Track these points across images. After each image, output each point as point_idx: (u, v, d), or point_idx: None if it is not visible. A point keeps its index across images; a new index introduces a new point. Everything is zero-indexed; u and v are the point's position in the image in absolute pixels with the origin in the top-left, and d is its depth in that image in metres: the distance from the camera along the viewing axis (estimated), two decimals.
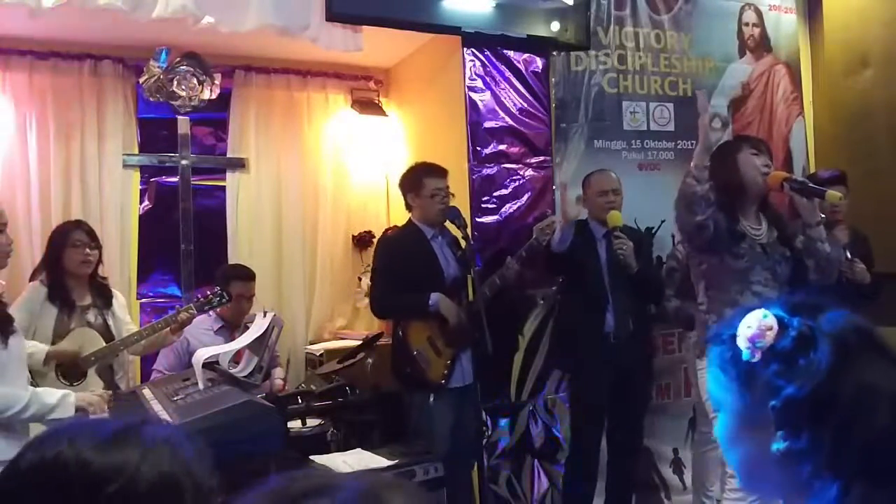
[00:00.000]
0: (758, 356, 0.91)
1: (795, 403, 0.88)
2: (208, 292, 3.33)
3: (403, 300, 3.25)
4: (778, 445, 0.90)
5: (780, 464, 0.90)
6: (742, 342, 0.92)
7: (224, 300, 3.32)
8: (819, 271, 2.72)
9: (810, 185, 2.69)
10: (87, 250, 3.09)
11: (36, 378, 2.71)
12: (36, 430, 2.31)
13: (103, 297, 3.18)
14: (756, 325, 0.92)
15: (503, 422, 3.60)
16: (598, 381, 3.24)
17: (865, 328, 0.93)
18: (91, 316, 3.10)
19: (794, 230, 2.76)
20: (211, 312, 3.71)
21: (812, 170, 4.29)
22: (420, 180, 3.35)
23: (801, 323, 0.91)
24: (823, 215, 2.74)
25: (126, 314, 3.31)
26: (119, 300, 3.28)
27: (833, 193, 2.63)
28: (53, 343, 2.95)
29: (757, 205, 2.77)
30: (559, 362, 3.59)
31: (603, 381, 3.23)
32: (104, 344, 3.02)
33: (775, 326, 0.91)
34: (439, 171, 3.38)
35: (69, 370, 2.91)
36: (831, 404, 0.87)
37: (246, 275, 3.80)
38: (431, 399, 3.17)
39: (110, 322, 3.15)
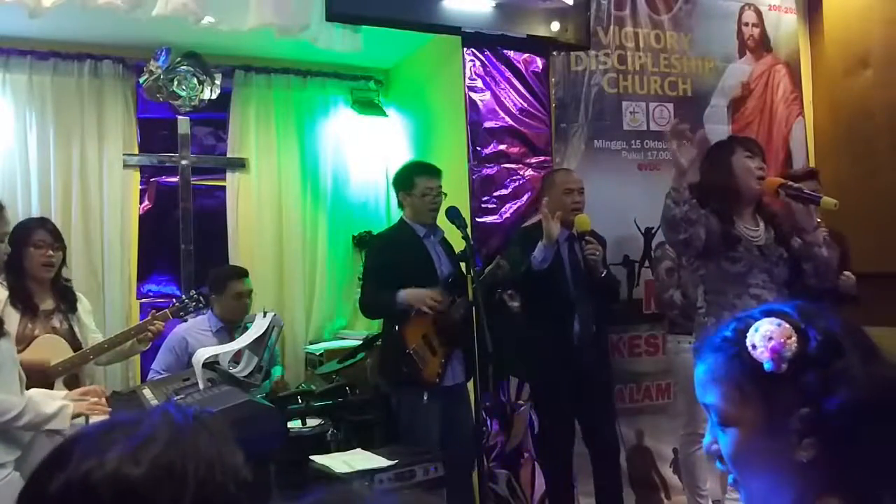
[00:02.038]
0: (784, 367, 0.85)
1: (839, 410, 0.84)
2: (184, 297, 3.26)
3: (376, 299, 3.26)
4: (805, 454, 0.85)
5: (795, 475, 0.86)
6: (763, 354, 0.86)
7: (201, 304, 3.26)
8: (816, 275, 2.72)
9: (805, 191, 2.68)
10: (50, 252, 2.83)
11: None
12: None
13: (67, 300, 2.93)
14: (777, 335, 0.85)
15: (503, 422, 3.59)
16: (562, 384, 3.22)
17: (860, 329, 0.90)
18: (56, 321, 2.87)
19: (789, 229, 2.76)
20: (210, 314, 3.71)
21: None
22: (411, 179, 3.35)
23: (815, 326, 0.87)
24: (820, 220, 2.72)
25: (91, 320, 3.06)
26: (84, 305, 3.03)
27: (828, 200, 2.61)
28: (18, 350, 2.66)
29: (753, 206, 2.76)
30: (519, 370, 3.55)
31: (567, 383, 3.21)
32: (71, 352, 2.83)
33: (794, 333, 0.86)
34: (431, 170, 3.37)
35: (35, 382, 2.68)
36: (872, 411, 0.84)
37: (239, 273, 3.79)
38: (425, 398, 3.16)
39: (76, 328, 2.92)
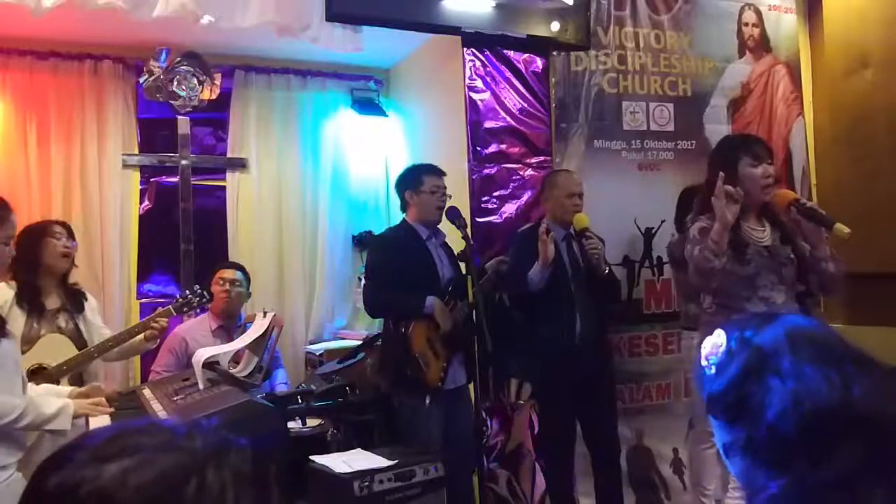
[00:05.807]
0: (713, 371, 1.00)
1: (713, 398, 0.98)
2: (187, 292, 3.26)
3: (399, 300, 3.24)
4: (716, 437, 1.00)
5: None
6: (703, 362, 1.02)
7: (204, 299, 3.27)
8: (821, 288, 2.74)
9: (819, 211, 2.62)
10: (66, 241, 2.90)
11: None
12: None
13: (74, 300, 2.96)
14: (709, 345, 1.02)
15: (503, 422, 3.59)
16: (565, 384, 3.22)
17: (801, 334, 0.97)
18: (62, 321, 2.88)
19: (794, 228, 2.75)
20: (208, 314, 3.71)
21: (812, 170, 4.29)
22: (419, 177, 3.35)
23: (734, 337, 0.99)
24: (828, 236, 2.68)
25: (98, 318, 3.09)
26: (91, 304, 3.05)
27: (841, 227, 2.52)
28: (23, 350, 2.66)
29: (758, 208, 2.74)
30: (519, 370, 3.54)
31: (570, 383, 3.21)
32: (76, 350, 2.83)
33: (723, 343, 1.00)
34: (437, 170, 3.38)
35: (40, 381, 2.71)
36: (740, 404, 0.95)
37: (229, 264, 3.85)
38: (428, 401, 3.16)
39: (82, 327, 2.93)
